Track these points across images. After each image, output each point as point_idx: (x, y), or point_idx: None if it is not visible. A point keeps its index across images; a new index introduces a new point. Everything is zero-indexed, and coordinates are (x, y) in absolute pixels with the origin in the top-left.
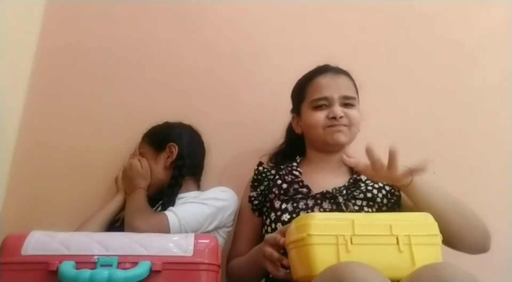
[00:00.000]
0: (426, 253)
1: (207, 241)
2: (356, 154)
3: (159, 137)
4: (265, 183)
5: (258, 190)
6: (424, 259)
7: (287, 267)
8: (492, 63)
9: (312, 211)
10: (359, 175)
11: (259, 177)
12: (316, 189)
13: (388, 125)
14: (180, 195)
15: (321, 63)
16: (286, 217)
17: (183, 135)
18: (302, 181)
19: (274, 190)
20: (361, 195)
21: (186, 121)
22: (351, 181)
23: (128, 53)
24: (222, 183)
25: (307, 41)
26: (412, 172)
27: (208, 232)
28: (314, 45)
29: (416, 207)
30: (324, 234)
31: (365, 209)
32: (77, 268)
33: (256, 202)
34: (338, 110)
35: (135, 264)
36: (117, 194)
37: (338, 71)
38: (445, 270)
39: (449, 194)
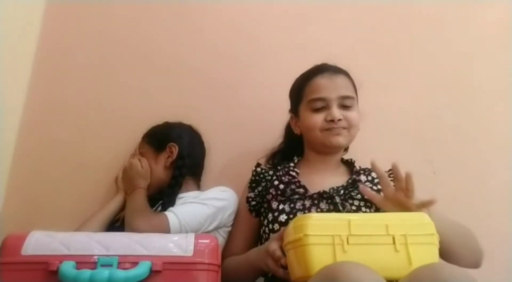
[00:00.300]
0: (423, 252)
1: (207, 241)
2: (356, 154)
3: (159, 137)
4: (263, 184)
5: (256, 191)
6: (420, 258)
7: (285, 267)
8: (491, 63)
9: (309, 211)
10: (358, 176)
11: (257, 178)
12: (314, 190)
13: (388, 125)
14: (180, 195)
15: (319, 63)
16: (283, 217)
17: (183, 135)
18: (299, 181)
19: (271, 190)
20: (359, 195)
21: (186, 121)
22: (349, 181)
23: (128, 53)
24: (222, 183)
25: (307, 41)
26: (424, 205)
27: (209, 232)
28: (314, 45)
29: None
30: (321, 234)
31: (363, 209)
32: (77, 268)
33: (253, 203)
34: (336, 113)
35: (135, 264)
36: (117, 194)
37: (336, 70)
38: (443, 271)
39: (451, 219)
